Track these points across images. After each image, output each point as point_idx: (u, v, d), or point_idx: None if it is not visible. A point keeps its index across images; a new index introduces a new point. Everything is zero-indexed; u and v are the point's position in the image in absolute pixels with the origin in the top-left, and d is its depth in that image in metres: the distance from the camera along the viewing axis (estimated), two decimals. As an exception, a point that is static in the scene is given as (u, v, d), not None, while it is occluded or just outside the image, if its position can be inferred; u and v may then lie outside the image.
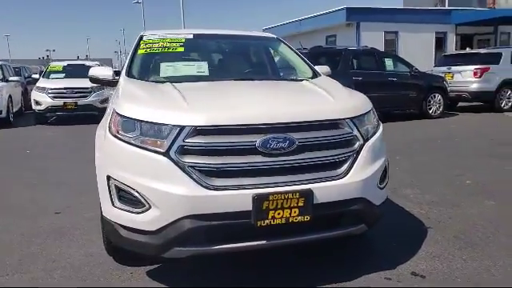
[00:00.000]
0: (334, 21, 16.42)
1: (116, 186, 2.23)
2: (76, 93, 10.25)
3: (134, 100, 2.44)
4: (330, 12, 16.68)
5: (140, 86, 2.78)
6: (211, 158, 2.10)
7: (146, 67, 3.26)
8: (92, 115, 9.99)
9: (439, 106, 10.25)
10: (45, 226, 3.39)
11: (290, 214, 2.13)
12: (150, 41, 3.50)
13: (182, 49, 3.45)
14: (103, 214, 2.36)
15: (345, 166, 2.29)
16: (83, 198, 4.09)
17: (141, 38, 3.57)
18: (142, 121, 2.20)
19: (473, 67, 10.84)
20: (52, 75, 11.25)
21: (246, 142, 2.13)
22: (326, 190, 2.19)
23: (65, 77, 11.13)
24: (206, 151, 2.11)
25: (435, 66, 12.29)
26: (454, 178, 4.60)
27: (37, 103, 10.19)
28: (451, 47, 18.04)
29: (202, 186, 2.07)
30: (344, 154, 2.29)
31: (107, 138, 2.33)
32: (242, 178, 2.12)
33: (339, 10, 16.14)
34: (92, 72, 3.35)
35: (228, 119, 2.16)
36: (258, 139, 2.13)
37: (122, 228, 2.23)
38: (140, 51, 3.37)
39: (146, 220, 2.13)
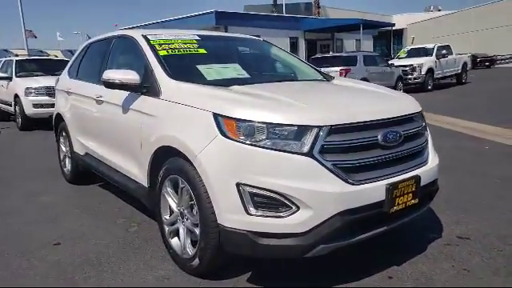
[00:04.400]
0: (202, 23, 16.73)
1: (251, 193, 2.14)
2: None
3: (243, 103, 2.34)
4: (200, 15, 16.94)
5: (219, 90, 2.62)
6: (345, 155, 2.22)
7: (182, 69, 3.03)
8: None
9: (319, 103, 11.59)
10: (65, 259, 2.85)
11: (407, 198, 2.41)
12: (162, 41, 3.27)
13: (203, 50, 3.32)
14: (227, 225, 2.20)
15: (425, 153, 2.67)
16: (65, 224, 3.54)
17: (146, 38, 3.28)
18: (271, 124, 2.16)
19: (339, 68, 12.58)
20: None
21: (371, 137, 2.32)
22: (424, 174, 2.53)
23: None
24: (340, 149, 2.22)
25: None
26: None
27: None
28: (302, 51, 20.35)
29: (346, 182, 2.17)
30: (424, 143, 2.67)
31: (224, 143, 2.20)
32: (373, 171, 2.29)
33: (208, 13, 16.53)
34: (111, 75, 2.94)
35: (353, 117, 2.30)
36: (378, 134, 2.34)
37: (259, 235, 2.16)
38: (161, 52, 3.11)
39: (295, 222, 2.12)
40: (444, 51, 17.42)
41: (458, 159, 5.37)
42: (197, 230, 2.43)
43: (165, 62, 3.00)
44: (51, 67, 10.87)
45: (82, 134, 4.17)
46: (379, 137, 2.33)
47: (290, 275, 2.58)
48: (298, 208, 2.12)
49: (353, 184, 2.18)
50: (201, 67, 3.05)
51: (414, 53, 17.75)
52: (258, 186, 2.13)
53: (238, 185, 2.15)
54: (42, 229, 3.45)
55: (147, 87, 2.92)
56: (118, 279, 2.57)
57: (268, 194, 2.12)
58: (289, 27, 19.24)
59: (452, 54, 18.22)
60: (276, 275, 2.60)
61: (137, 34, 3.39)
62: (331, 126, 2.19)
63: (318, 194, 2.11)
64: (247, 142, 2.16)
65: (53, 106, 9.15)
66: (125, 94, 3.12)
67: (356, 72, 12.81)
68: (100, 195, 4.33)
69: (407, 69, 15.89)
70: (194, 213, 2.49)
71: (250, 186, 2.14)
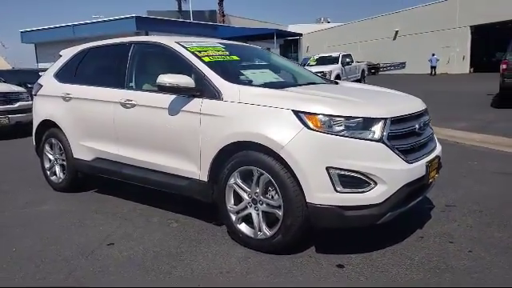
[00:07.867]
0: (123, 28, 16.26)
1: (339, 174, 2.62)
2: None
3: (318, 101, 2.82)
4: (120, 19, 16.43)
5: (284, 91, 3.03)
6: (401, 140, 2.84)
7: (232, 74, 3.35)
8: None
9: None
10: (134, 255, 2.98)
11: (435, 173, 3.12)
12: (199, 48, 3.55)
13: (236, 57, 3.67)
14: (317, 202, 2.65)
15: (435, 138, 3.42)
16: (100, 227, 3.59)
17: (183, 46, 3.53)
18: (348, 117, 2.69)
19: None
20: None
21: (412, 126, 2.97)
22: (440, 153, 3.27)
23: None
24: (398, 136, 2.82)
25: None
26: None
27: None
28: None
29: (406, 161, 2.78)
30: (432, 132, 3.42)
31: (310, 134, 2.66)
32: (417, 152, 2.94)
33: (129, 18, 16.14)
34: (167, 80, 3.14)
35: (400, 111, 2.93)
36: (416, 124, 3.00)
37: (345, 209, 2.65)
38: (205, 59, 3.39)
39: (373, 195, 2.65)
40: (347, 59, 19.54)
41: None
42: (279, 211, 2.82)
43: (217, 68, 3.29)
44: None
45: (90, 139, 4.14)
46: (416, 126, 2.99)
47: (348, 244, 3.09)
48: (376, 184, 2.66)
49: (409, 162, 2.80)
50: (246, 72, 3.42)
51: (323, 61, 19.58)
52: (345, 168, 2.62)
53: (327, 168, 2.62)
54: (79, 233, 3.45)
55: (200, 90, 3.19)
56: (204, 264, 2.82)
57: (352, 174, 2.63)
58: (207, 34, 19.57)
59: (353, 61, 20.47)
60: (334, 244, 3.08)
61: (170, 41, 3.61)
62: (391, 118, 2.78)
63: (391, 171, 2.68)
64: (331, 132, 2.65)
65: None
66: (170, 97, 3.33)
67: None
68: (108, 200, 4.31)
69: (319, 75, 17.44)
70: (270, 196, 2.88)
71: (337, 168, 2.62)
